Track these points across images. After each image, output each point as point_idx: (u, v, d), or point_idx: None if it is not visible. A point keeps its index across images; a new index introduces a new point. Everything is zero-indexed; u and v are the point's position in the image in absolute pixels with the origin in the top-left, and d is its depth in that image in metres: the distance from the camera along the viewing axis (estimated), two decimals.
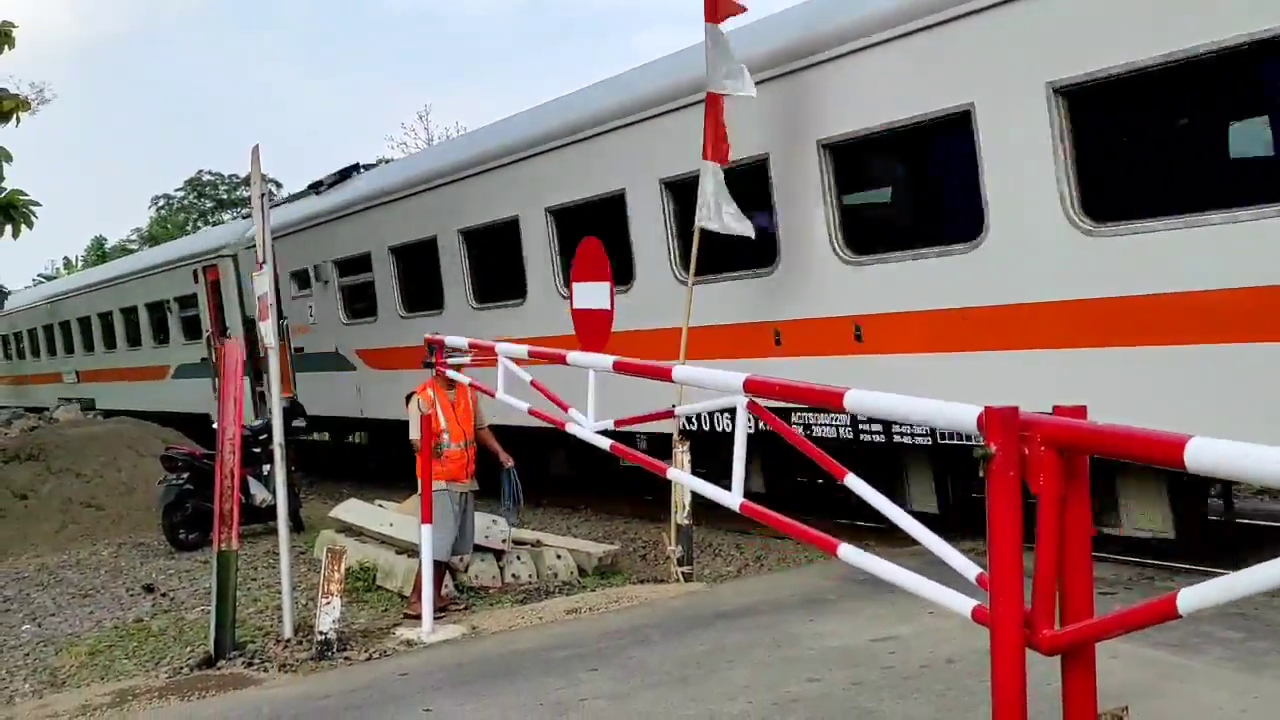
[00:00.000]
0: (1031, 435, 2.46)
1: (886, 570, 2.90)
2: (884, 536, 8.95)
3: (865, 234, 8.34)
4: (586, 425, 5.21)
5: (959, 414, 2.78)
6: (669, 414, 5.70)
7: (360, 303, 14.42)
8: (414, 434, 7.53)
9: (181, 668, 6.90)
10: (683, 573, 8.09)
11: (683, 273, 9.03)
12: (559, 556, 8.86)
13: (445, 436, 7.64)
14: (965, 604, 2.89)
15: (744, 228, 8.12)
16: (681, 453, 8.30)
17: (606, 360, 5.04)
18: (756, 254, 8.73)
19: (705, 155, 8.08)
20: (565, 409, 5.58)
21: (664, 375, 4.51)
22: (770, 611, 6.62)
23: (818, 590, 7.09)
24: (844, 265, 8.14)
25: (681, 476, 5.82)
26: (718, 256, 8.67)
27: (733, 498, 4.10)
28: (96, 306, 23.73)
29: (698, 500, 8.37)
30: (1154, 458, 2.30)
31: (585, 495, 13.21)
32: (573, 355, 5.44)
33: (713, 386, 4.21)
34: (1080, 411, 2.53)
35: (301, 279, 15.40)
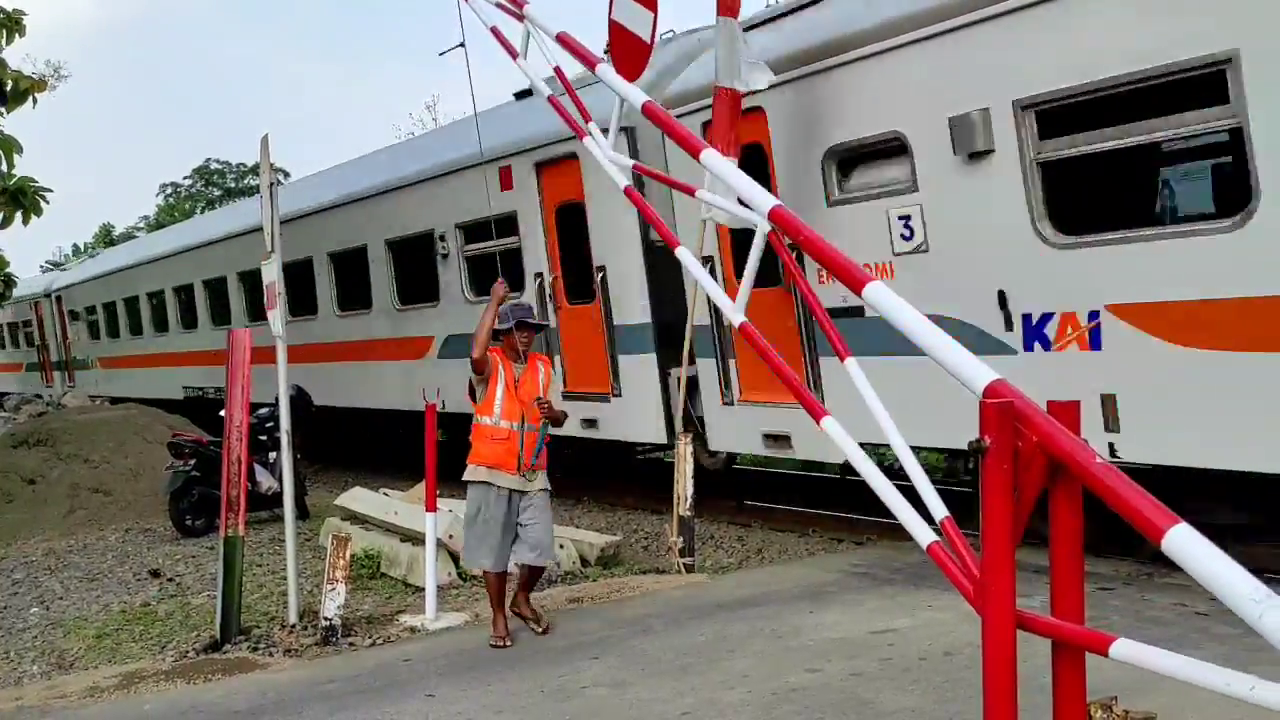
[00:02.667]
0: (1027, 435, 2.50)
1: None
2: (886, 531, 9.00)
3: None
4: None
5: (968, 367, 2.79)
6: None
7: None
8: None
9: (187, 651, 6.97)
10: (684, 564, 8.14)
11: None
12: (561, 546, 8.92)
13: (497, 409, 6.17)
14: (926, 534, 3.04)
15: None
16: (684, 444, 8.35)
17: None
18: None
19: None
20: None
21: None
22: (771, 603, 6.68)
23: (819, 582, 7.14)
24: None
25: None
26: None
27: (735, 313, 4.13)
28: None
29: (699, 492, 8.42)
30: (1130, 519, 2.25)
31: (588, 486, 13.26)
32: None
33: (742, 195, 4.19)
34: (1073, 407, 2.57)
35: None
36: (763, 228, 3.91)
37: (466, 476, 6.27)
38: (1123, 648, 2.40)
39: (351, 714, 5.21)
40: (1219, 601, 6.43)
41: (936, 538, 3.08)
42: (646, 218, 5.69)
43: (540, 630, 6.32)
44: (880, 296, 3.21)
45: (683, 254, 5.12)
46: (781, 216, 3.82)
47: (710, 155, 4.67)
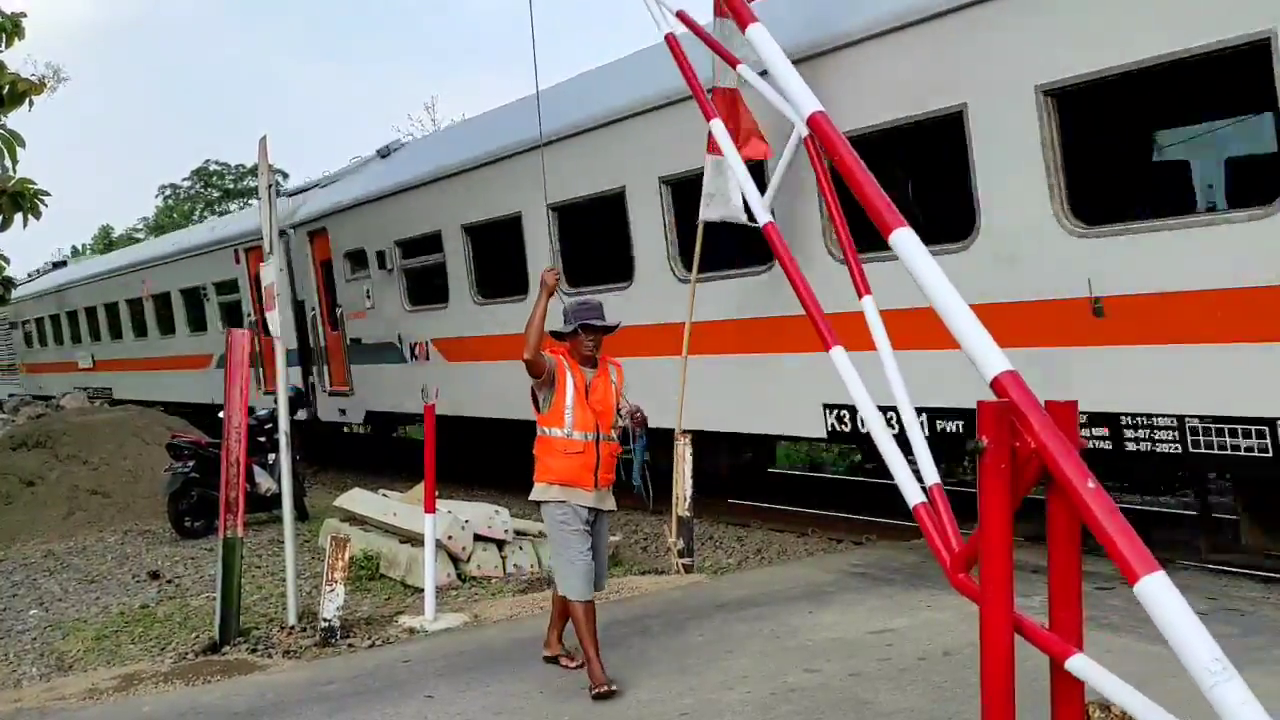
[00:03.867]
0: (1023, 439, 2.49)
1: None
2: (885, 532, 9.01)
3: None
4: None
5: (982, 350, 2.71)
6: None
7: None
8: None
9: (186, 653, 6.97)
10: (683, 564, 8.14)
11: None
12: None
13: (568, 419, 5.39)
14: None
15: (742, 216, 8.09)
16: (684, 445, 8.35)
17: None
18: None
19: (708, 149, 8.10)
20: None
21: None
22: (770, 603, 6.68)
23: (818, 583, 7.14)
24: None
25: None
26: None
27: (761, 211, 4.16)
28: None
29: (698, 494, 8.42)
30: (1110, 553, 2.21)
31: None
32: None
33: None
34: (1071, 407, 2.58)
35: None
36: (800, 130, 3.83)
37: (537, 496, 5.47)
38: (1078, 662, 2.46)
39: (350, 715, 5.21)
40: (1219, 601, 6.44)
41: (923, 499, 3.15)
42: None
43: (575, 666, 5.57)
44: (907, 244, 3.08)
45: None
46: (820, 125, 3.60)
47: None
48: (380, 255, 13.77)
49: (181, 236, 23.29)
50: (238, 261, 17.34)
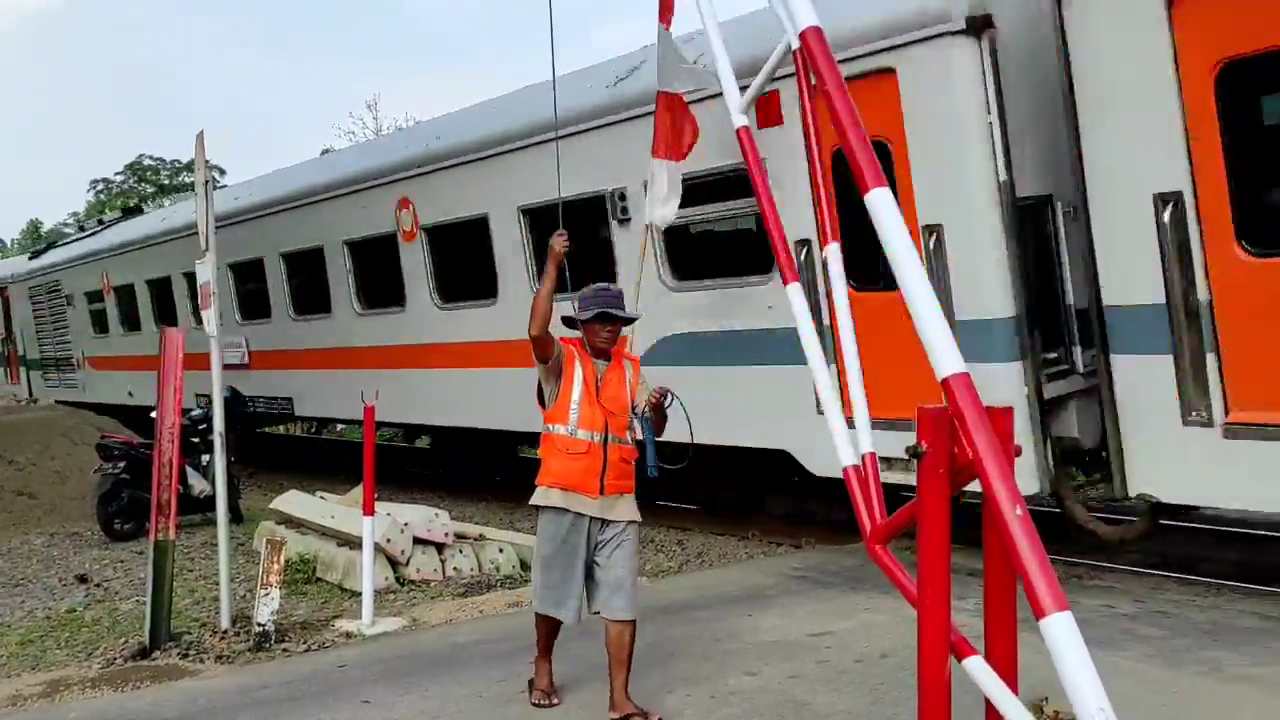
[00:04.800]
0: (962, 446, 2.50)
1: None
2: (825, 534, 9.09)
3: None
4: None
5: (941, 347, 2.58)
6: None
7: None
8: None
9: (115, 658, 6.79)
10: None
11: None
12: (501, 550, 8.87)
13: (572, 416, 4.84)
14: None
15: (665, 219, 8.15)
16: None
17: None
18: None
19: (655, 153, 8.12)
20: None
21: None
22: (711, 606, 6.70)
23: (758, 586, 7.19)
24: None
25: None
26: None
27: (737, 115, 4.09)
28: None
29: (640, 497, 8.40)
30: (1024, 582, 2.23)
31: (530, 488, 13.19)
32: None
33: None
34: (1008, 413, 2.62)
35: None
36: (791, 43, 3.67)
37: (536, 500, 4.96)
38: (973, 664, 2.56)
39: None
40: (1146, 604, 6.59)
41: (856, 462, 3.23)
42: None
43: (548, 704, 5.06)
44: (882, 207, 2.86)
45: None
46: (809, 42, 3.26)
47: None
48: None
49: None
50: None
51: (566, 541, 4.86)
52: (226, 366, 9.03)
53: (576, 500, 4.84)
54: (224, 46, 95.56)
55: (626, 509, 4.93)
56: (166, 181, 54.06)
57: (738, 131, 4.31)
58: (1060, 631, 2.00)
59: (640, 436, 4.89)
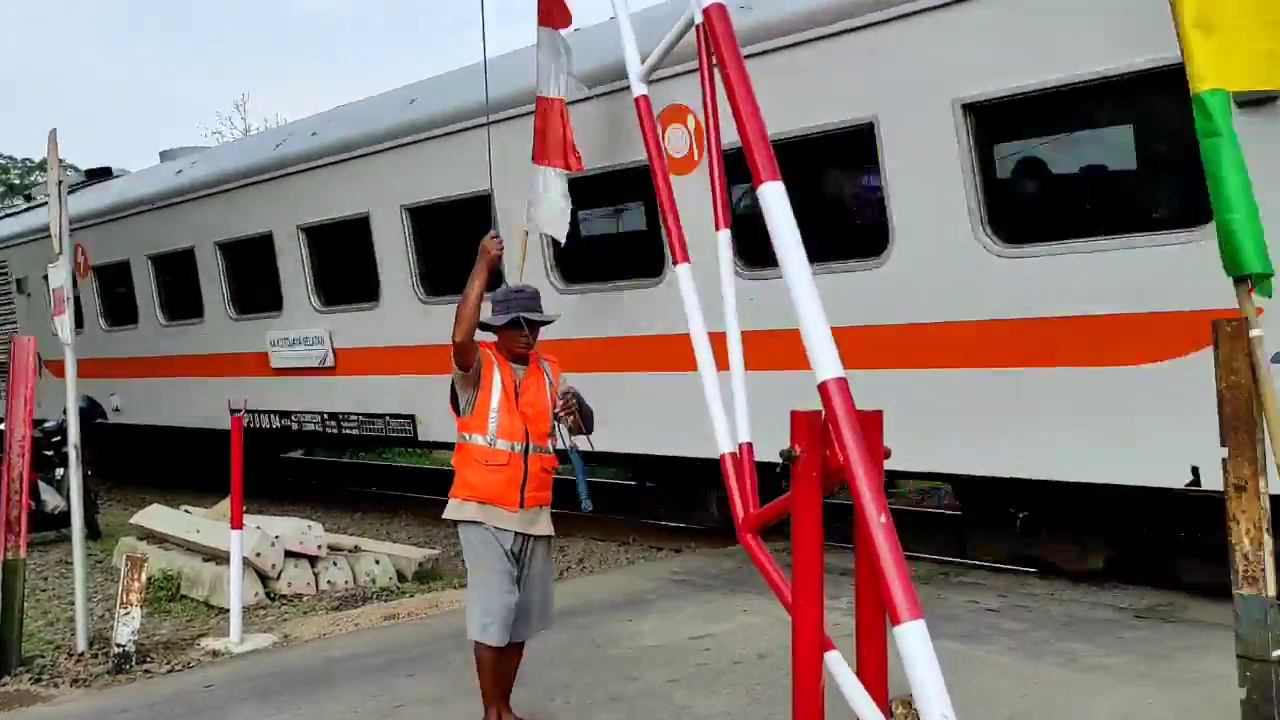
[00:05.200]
0: (833, 451, 2.52)
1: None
2: (703, 537, 9.19)
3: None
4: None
5: (821, 349, 2.50)
6: None
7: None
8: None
9: None
10: None
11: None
12: (377, 562, 8.69)
13: (491, 425, 4.56)
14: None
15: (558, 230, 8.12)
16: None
17: None
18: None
19: (538, 159, 8.07)
20: None
21: None
22: (591, 613, 6.70)
23: (639, 591, 7.22)
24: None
25: None
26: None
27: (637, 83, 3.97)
28: None
29: None
30: (881, 590, 2.22)
31: (406, 500, 12.99)
32: None
33: None
34: (877, 416, 2.69)
35: None
36: (695, 17, 3.56)
37: (451, 514, 4.67)
38: (831, 658, 2.65)
39: None
40: (1009, 598, 6.85)
41: (733, 450, 3.28)
42: None
43: None
44: (775, 201, 2.70)
45: None
46: (711, 19, 3.08)
47: None
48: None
49: None
50: None
51: (490, 555, 4.54)
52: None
53: (495, 514, 4.56)
54: (83, 41, 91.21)
55: (546, 523, 4.73)
56: (17, 181, 51.29)
57: (637, 101, 4.19)
58: (913, 640, 2.09)
59: (561, 445, 4.76)
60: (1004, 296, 6.34)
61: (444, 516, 4.74)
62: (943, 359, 6.62)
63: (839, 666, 2.63)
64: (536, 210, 8.15)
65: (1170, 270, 5.70)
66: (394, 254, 10.21)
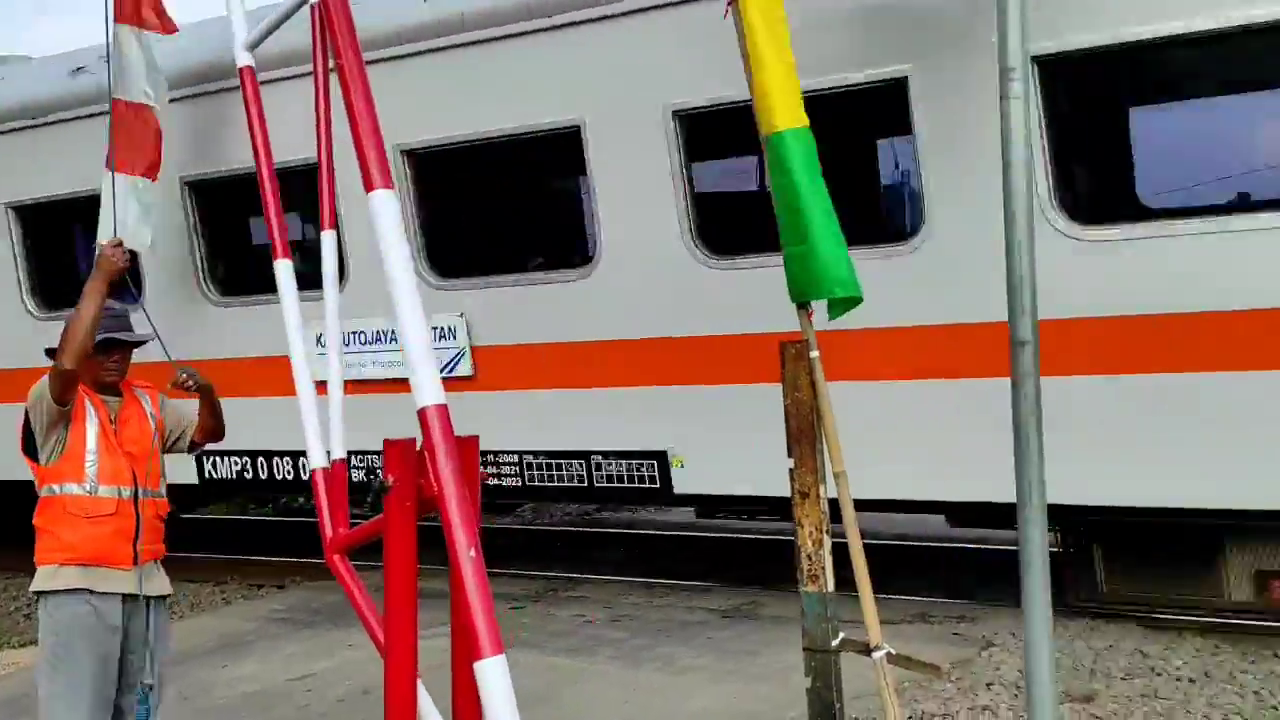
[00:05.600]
0: (428, 480, 2.43)
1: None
2: (310, 573, 8.77)
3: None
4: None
5: (424, 374, 2.35)
6: None
7: None
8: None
9: None
10: None
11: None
12: None
13: (90, 471, 3.83)
14: None
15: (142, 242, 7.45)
16: None
17: None
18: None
19: (119, 168, 7.33)
20: None
21: None
22: (178, 662, 6.11)
23: (236, 633, 6.76)
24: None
25: None
26: None
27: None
28: None
29: None
30: (466, 624, 2.21)
31: None
32: None
33: None
34: (473, 443, 2.68)
35: None
36: None
37: (43, 584, 3.82)
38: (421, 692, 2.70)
39: None
40: (613, 609, 7.13)
41: (325, 464, 3.16)
42: None
43: None
44: (386, 207, 2.46)
45: None
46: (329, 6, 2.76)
47: None
48: None
49: None
50: None
51: (85, 635, 3.76)
52: None
53: (103, 577, 3.79)
54: None
55: (163, 580, 4.03)
56: None
57: (240, 71, 3.79)
58: (493, 674, 2.11)
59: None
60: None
61: (33, 589, 3.89)
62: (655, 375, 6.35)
63: (422, 694, 2.63)
64: (124, 223, 7.41)
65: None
66: None
